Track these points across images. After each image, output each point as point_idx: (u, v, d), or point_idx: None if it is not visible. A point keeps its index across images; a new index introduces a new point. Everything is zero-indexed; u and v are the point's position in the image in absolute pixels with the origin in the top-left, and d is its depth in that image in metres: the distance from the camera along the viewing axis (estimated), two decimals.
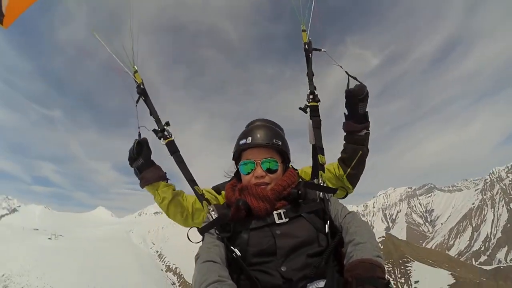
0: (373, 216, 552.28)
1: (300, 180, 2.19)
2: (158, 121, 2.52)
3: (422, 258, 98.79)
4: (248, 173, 2.11)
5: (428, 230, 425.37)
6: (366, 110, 2.47)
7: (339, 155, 2.61)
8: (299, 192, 1.98)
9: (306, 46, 2.70)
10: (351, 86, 2.39)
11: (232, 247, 1.83)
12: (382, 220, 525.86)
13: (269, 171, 2.07)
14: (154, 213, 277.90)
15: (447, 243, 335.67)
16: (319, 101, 2.56)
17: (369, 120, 2.50)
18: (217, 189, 2.68)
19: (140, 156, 2.46)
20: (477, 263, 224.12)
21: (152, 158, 2.55)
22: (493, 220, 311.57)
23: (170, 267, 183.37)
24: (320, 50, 2.70)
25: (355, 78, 2.44)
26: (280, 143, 2.11)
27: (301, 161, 2.56)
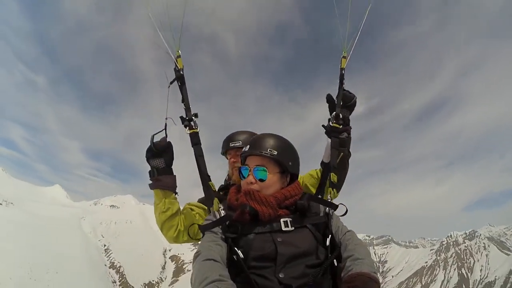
0: None
1: (305, 193, 2.20)
2: (188, 109, 2.50)
3: None
4: (244, 178, 2.15)
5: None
6: (348, 117, 2.74)
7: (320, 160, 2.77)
8: (305, 205, 2.02)
9: (343, 72, 2.81)
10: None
11: (235, 249, 1.84)
12: None
13: (259, 179, 2.08)
14: (110, 206, 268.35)
15: None
16: (341, 124, 2.69)
17: (350, 125, 2.75)
18: (203, 201, 2.70)
19: (163, 157, 2.46)
20: None
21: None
22: (443, 281, 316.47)
23: (115, 264, 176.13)
24: (343, 82, 2.80)
25: (347, 91, 2.76)
26: (276, 153, 2.09)
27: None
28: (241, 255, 1.82)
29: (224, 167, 3.19)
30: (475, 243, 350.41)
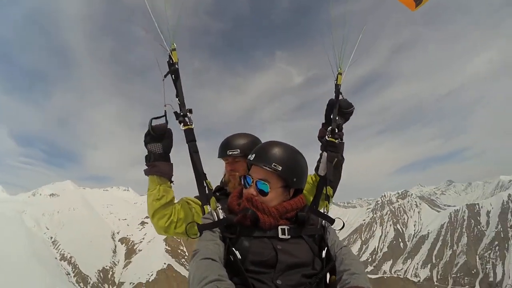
0: None
1: (306, 205, 2.22)
2: (182, 105, 2.43)
3: None
4: (247, 187, 2.14)
5: None
6: (342, 125, 2.83)
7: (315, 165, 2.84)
8: (305, 216, 2.04)
9: (339, 87, 2.87)
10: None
11: (233, 249, 1.85)
12: None
13: (260, 192, 2.06)
14: (50, 195, 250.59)
15: None
16: (337, 139, 2.77)
17: (343, 131, 2.85)
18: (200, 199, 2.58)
19: (161, 143, 2.42)
20: None
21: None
22: (380, 236, 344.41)
23: (65, 255, 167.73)
24: (341, 94, 2.89)
25: (346, 100, 2.88)
26: (280, 169, 2.02)
27: None
28: (238, 256, 1.82)
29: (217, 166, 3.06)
30: (408, 202, 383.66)
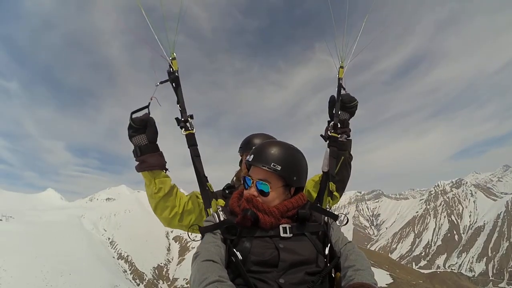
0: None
1: (308, 201, 2.22)
2: (183, 111, 2.46)
3: None
4: (247, 188, 2.14)
5: (373, 233, 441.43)
6: (347, 120, 2.73)
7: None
8: (306, 214, 2.04)
9: (341, 81, 2.81)
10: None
11: (234, 250, 1.84)
12: None
13: (261, 192, 2.06)
14: (106, 199, 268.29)
15: (390, 246, 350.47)
16: (340, 134, 2.69)
17: (350, 128, 2.74)
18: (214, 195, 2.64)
19: (144, 134, 2.36)
20: (417, 267, 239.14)
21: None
22: (434, 229, 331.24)
23: (122, 254, 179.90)
24: (344, 88, 2.82)
25: (349, 94, 2.76)
26: (279, 168, 2.03)
27: None
28: (240, 257, 1.82)
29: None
30: (462, 191, 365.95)
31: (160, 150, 2.44)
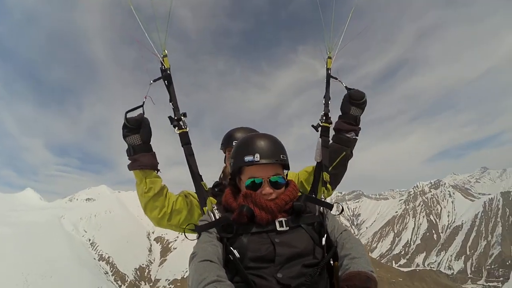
0: None
1: (301, 193, 2.21)
2: (176, 109, 2.46)
3: None
4: (253, 190, 2.04)
5: (354, 233, 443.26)
6: (359, 116, 2.70)
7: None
8: (301, 206, 2.02)
9: (329, 72, 2.81)
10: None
11: (231, 248, 1.84)
12: None
13: (276, 187, 2.05)
14: (86, 200, 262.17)
15: (370, 245, 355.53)
16: (331, 123, 2.69)
17: (360, 126, 2.72)
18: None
19: (138, 134, 2.35)
20: (397, 265, 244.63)
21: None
22: (413, 228, 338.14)
23: (103, 256, 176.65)
24: (336, 78, 2.79)
25: (354, 89, 2.70)
26: (285, 158, 2.08)
27: None
28: (237, 254, 1.81)
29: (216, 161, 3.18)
30: (441, 191, 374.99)
31: (153, 151, 2.44)
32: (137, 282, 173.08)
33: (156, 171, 2.44)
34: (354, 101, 2.67)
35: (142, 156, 2.35)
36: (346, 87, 2.74)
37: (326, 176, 2.47)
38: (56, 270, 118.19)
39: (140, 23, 2.42)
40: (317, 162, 2.59)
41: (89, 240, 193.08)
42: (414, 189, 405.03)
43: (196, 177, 2.35)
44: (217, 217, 2.04)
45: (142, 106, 2.36)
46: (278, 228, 1.92)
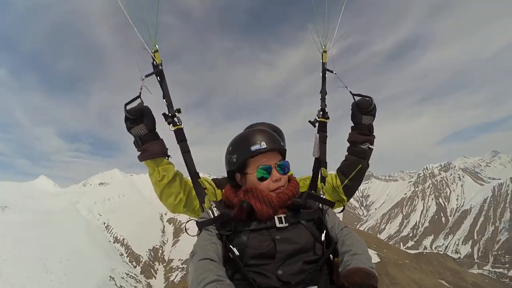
0: None
1: (303, 191, 2.18)
2: (170, 105, 2.37)
3: None
4: (266, 179, 2.05)
5: (363, 214, 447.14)
6: (372, 123, 2.56)
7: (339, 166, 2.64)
8: (301, 203, 2.00)
9: (325, 66, 2.73)
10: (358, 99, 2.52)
11: (231, 246, 1.83)
12: None
13: (284, 171, 2.09)
14: (99, 184, 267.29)
15: (379, 226, 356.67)
16: (328, 118, 2.64)
17: (374, 134, 2.57)
18: (218, 183, 2.66)
19: (142, 123, 2.24)
20: (404, 247, 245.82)
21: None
22: (422, 211, 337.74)
23: (118, 238, 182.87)
24: (332, 71, 2.70)
25: (359, 95, 2.53)
26: (284, 144, 2.13)
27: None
28: (236, 252, 1.80)
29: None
30: (450, 174, 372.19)
31: (161, 137, 2.35)
32: (151, 262, 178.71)
33: (167, 158, 2.35)
34: (364, 109, 2.53)
35: (151, 145, 2.26)
36: (351, 92, 2.58)
37: (324, 172, 2.46)
38: (73, 254, 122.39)
39: (128, 17, 2.33)
40: (315, 158, 2.57)
41: (104, 223, 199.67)
42: (424, 171, 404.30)
43: (194, 174, 2.32)
44: (216, 215, 2.01)
45: (139, 96, 2.25)
46: (278, 225, 1.91)
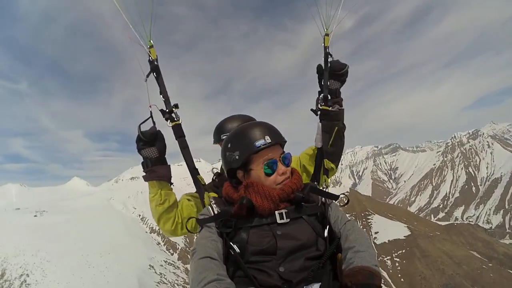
0: (340, 172, 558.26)
1: (306, 184, 2.09)
2: (167, 101, 2.38)
3: (382, 212, 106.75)
4: (272, 173, 1.96)
5: (392, 187, 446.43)
6: (339, 89, 2.53)
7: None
8: (303, 197, 1.92)
9: (327, 50, 2.60)
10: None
11: (231, 243, 1.80)
12: (349, 177, 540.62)
13: (287, 164, 2.02)
14: (131, 179, 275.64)
15: (408, 199, 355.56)
16: (331, 106, 2.50)
17: (342, 97, 2.54)
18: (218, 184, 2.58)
19: (154, 147, 2.30)
20: (435, 219, 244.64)
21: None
22: (452, 181, 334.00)
23: (154, 228, 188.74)
24: (331, 55, 2.58)
25: (338, 60, 2.52)
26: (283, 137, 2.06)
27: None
28: (237, 249, 1.78)
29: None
30: (479, 142, 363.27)
31: (169, 164, 2.38)
32: (187, 248, 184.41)
33: (170, 184, 2.40)
34: (334, 72, 2.52)
35: (159, 168, 2.31)
36: (330, 54, 2.57)
37: (327, 163, 2.40)
38: (113, 247, 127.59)
39: (121, 11, 2.29)
40: (318, 148, 2.50)
41: (139, 215, 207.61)
42: (452, 140, 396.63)
43: (193, 171, 2.32)
44: (216, 212, 1.98)
45: (151, 117, 2.30)
46: (279, 221, 1.86)
